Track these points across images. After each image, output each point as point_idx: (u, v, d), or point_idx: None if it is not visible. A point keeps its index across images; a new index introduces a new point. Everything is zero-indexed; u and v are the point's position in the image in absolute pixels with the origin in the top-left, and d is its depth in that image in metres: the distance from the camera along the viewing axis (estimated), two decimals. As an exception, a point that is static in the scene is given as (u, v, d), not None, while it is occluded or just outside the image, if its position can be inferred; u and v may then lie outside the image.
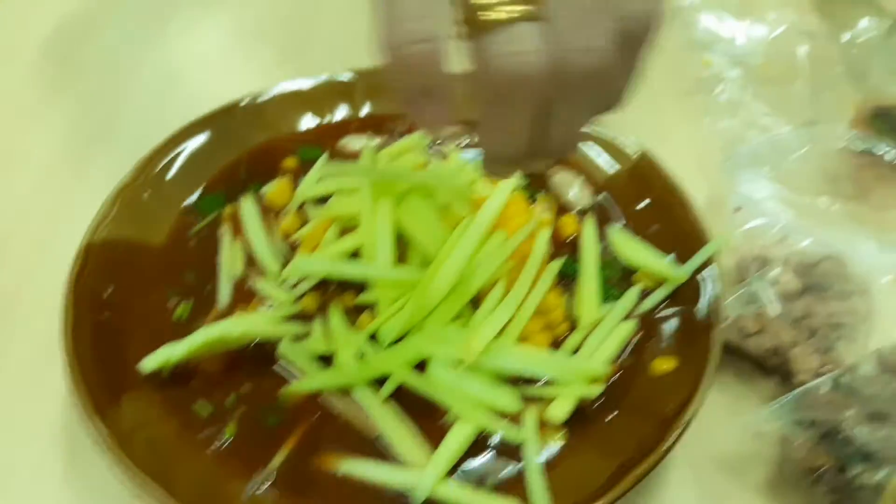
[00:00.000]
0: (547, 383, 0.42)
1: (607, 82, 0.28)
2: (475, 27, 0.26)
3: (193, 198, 0.52)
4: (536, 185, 0.54)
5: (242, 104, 0.56)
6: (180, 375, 0.42)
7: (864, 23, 0.76)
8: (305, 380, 0.42)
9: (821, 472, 0.41)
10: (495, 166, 0.32)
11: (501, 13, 0.25)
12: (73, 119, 0.64)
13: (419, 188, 0.44)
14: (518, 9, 0.25)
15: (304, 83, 0.58)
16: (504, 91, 0.26)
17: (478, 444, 0.40)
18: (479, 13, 0.25)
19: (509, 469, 0.39)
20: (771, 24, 0.75)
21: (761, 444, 0.45)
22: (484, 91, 0.27)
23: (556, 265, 0.44)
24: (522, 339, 0.43)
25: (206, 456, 0.39)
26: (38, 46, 0.71)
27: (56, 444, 0.43)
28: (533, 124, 0.27)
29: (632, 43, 0.28)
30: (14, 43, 0.71)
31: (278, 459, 0.39)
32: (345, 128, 0.58)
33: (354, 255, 0.46)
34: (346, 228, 0.47)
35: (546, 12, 0.25)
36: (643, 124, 0.66)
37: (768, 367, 0.49)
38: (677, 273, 0.46)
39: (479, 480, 0.38)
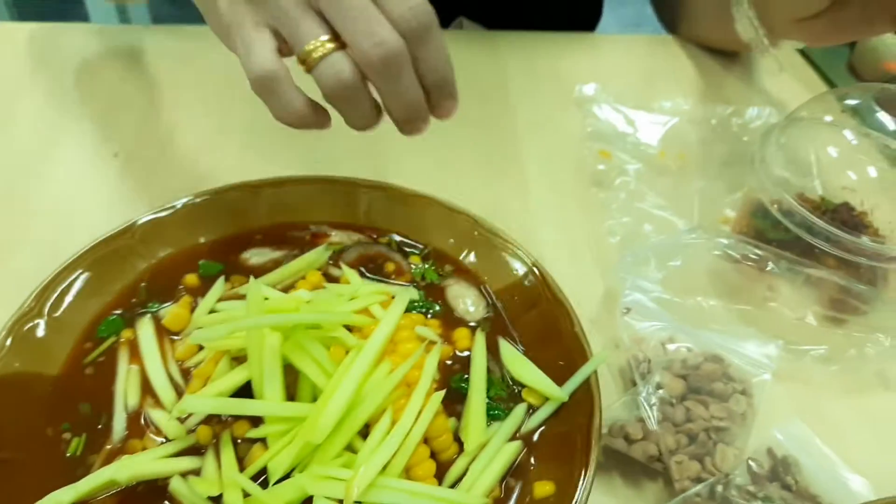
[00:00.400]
0: (434, 513, 0.43)
1: (417, 56, 0.41)
2: (308, 66, 0.41)
3: (91, 323, 0.52)
4: (432, 298, 0.56)
5: (141, 221, 0.56)
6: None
7: (753, 111, 0.81)
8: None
9: (692, 587, 0.43)
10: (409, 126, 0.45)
11: (319, 52, 0.41)
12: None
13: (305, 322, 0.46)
14: (328, 46, 0.41)
15: (202, 196, 0.59)
16: (340, 95, 0.42)
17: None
18: (307, 57, 0.41)
19: None
20: (667, 114, 0.80)
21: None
22: (330, 100, 0.43)
23: (440, 395, 0.46)
24: (408, 468, 0.44)
25: None
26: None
27: None
28: (395, 100, 0.43)
29: (420, 31, 0.41)
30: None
31: None
32: (248, 240, 0.59)
33: (248, 385, 0.47)
34: (239, 358, 0.48)
35: (343, 40, 0.41)
36: (547, 217, 0.70)
37: (653, 472, 0.51)
38: (559, 393, 0.48)
39: None
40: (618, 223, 0.68)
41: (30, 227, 0.64)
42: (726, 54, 0.93)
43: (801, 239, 0.58)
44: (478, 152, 0.77)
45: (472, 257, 0.59)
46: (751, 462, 0.49)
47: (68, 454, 0.46)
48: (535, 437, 0.48)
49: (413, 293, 0.53)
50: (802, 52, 0.96)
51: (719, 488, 0.47)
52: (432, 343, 0.50)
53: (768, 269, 0.58)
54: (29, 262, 0.58)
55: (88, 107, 0.77)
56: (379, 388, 0.45)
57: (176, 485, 0.44)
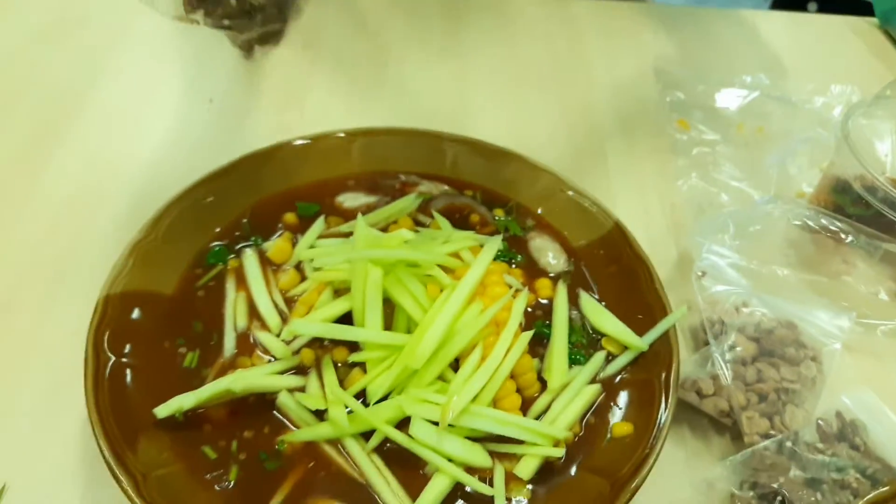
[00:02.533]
0: (519, 442, 0.46)
1: None
2: None
3: (200, 251, 0.56)
4: (515, 250, 0.58)
5: (243, 161, 0.60)
6: (190, 421, 0.47)
7: (835, 88, 0.81)
8: (301, 430, 0.46)
9: (759, 533, 0.46)
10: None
11: None
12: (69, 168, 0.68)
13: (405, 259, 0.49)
14: None
15: (302, 141, 0.63)
16: None
17: (453, 495, 0.45)
18: None
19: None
20: (747, 88, 0.80)
21: (710, 499, 0.50)
22: None
23: (528, 336, 0.49)
24: (496, 400, 0.47)
25: (213, 495, 0.44)
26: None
27: (74, 481, 0.48)
28: None
29: None
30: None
31: (277, 499, 0.44)
32: (341, 185, 0.62)
33: (348, 316, 0.50)
34: (340, 290, 0.52)
35: None
36: (623, 181, 0.72)
37: (722, 423, 0.54)
38: (639, 343, 0.51)
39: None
40: (694, 191, 0.70)
41: (127, 172, 0.68)
42: (808, 31, 0.92)
43: (881, 216, 0.59)
44: (555, 115, 0.78)
45: (554, 214, 0.61)
46: (820, 422, 0.51)
47: (184, 365, 0.50)
48: (615, 382, 0.50)
49: (500, 242, 0.56)
50: (887, 34, 0.95)
51: (788, 444, 0.49)
52: (518, 290, 0.53)
53: (847, 241, 0.59)
54: (124, 207, 0.63)
55: (184, 53, 0.81)
56: (471, 325, 0.48)
57: (284, 399, 0.48)
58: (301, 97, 0.77)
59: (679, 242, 0.67)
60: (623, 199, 0.70)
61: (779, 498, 0.46)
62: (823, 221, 0.60)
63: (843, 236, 0.59)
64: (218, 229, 0.58)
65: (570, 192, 0.61)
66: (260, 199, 0.61)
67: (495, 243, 0.53)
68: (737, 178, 0.71)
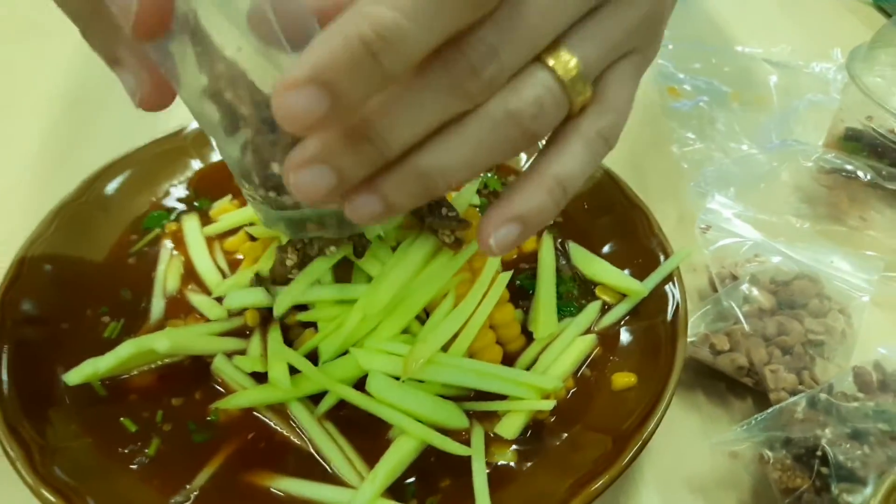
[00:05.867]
0: (500, 399, 0.39)
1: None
2: None
3: (137, 218, 0.50)
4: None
5: (192, 126, 0.54)
6: (112, 393, 0.40)
7: (836, 52, 0.77)
8: (237, 394, 0.39)
9: (799, 492, 0.37)
10: None
11: None
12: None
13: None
14: None
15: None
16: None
17: (425, 465, 0.37)
18: None
19: (457, 487, 0.35)
20: (738, 55, 0.76)
21: (734, 465, 0.42)
22: None
23: (507, 276, 0.42)
24: (472, 353, 0.40)
25: (127, 473, 0.36)
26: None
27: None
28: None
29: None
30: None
31: (204, 476, 0.36)
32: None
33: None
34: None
35: None
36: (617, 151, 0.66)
37: (740, 386, 0.46)
38: (639, 287, 0.44)
39: (419, 498, 0.35)
40: (690, 150, 0.64)
41: (98, 124, 0.65)
42: (802, 7, 0.88)
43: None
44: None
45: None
46: (857, 371, 0.43)
47: (105, 336, 0.43)
48: (614, 332, 0.43)
49: (474, 186, 0.49)
50: (882, 10, 0.91)
51: (822, 396, 0.41)
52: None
53: (867, 179, 0.52)
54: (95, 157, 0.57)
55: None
56: (441, 269, 0.41)
57: (220, 363, 0.40)
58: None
59: (677, 204, 0.60)
60: (614, 164, 0.63)
61: (818, 455, 0.38)
62: (838, 163, 0.54)
63: (861, 176, 0.53)
64: (158, 195, 0.52)
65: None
66: (210, 164, 0.54)
67: (472, 187, 0.47)
68: (735, 139, 0.65)
